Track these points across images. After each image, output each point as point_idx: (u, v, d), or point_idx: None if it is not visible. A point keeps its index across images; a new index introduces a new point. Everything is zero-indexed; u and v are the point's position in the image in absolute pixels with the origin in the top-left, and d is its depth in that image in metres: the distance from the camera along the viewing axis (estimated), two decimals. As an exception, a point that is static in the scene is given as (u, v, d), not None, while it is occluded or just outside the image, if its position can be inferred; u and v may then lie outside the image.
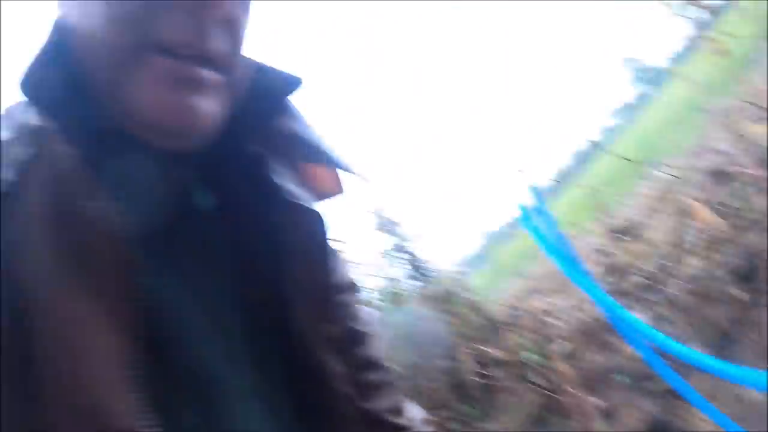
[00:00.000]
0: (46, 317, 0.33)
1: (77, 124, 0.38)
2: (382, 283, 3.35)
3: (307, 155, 0.47)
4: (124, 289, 0.35)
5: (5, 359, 0.32)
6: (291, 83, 0.46)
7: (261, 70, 0.45)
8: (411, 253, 3.45)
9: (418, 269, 3.42)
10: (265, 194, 0.44)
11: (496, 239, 8.21)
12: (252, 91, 0.44)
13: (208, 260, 0.43)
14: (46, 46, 0.39)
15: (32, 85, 0.37)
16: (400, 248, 3.47)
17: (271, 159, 0.45)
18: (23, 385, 0.32)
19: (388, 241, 3.47)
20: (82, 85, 0.39)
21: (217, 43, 0.38)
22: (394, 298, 3.21)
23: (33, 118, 0.37)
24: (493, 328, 2.98)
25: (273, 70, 0.46)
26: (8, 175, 0.34)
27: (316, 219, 0.45)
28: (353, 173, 0.47)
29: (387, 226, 3.45)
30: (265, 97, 0.45)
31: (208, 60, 0.38)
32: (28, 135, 0.37)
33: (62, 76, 0.38)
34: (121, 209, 0.36)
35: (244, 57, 0.43)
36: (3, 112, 0.40)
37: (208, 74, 0.38)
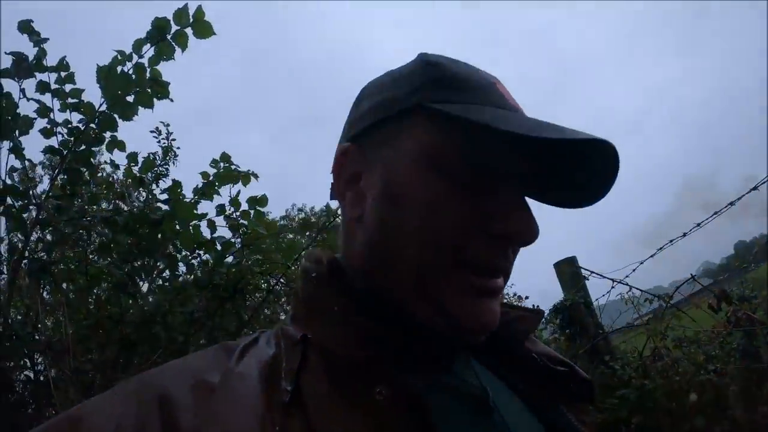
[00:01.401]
0: None
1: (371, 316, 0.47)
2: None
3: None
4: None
5: None
6: (536, 320, 0.60)
7: (511, 305, 0.60)
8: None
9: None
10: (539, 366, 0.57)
11: None
12: (509, 322, 0.56)
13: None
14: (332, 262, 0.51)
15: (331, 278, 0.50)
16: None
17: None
18: None
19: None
20: (374, 289, 0.49)
21: (510, 261, 0.49)
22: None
23: (294, 332, 0.48)
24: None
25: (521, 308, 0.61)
26: (286, 385, 0.42)
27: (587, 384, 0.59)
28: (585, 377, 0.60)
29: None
30: (517, 328, 0.58)
31: (499, 272, 0.48)
32: (292, 347, 0.46)
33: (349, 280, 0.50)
34: (408, 384, 0.43)
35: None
36: (268, 331, 0.51)
37: (498, 282, 0.48)
